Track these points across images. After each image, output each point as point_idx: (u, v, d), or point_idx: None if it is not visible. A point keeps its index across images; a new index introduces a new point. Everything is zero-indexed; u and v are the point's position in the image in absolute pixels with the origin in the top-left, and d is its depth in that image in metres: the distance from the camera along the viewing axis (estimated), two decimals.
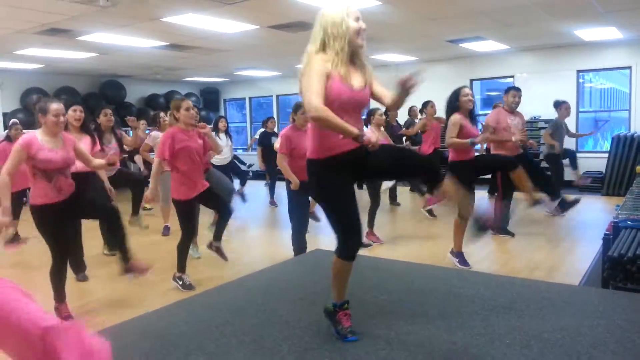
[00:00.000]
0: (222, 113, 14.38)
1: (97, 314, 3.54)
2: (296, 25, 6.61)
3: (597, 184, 8.75)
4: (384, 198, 6.78)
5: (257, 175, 12.06)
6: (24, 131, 5.86)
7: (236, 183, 7.86)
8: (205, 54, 8.95)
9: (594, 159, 9.13)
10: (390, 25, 6.97)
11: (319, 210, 5.91)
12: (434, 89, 9.79)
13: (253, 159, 10.05)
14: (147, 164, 7.48)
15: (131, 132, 5.78)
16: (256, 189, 10.63)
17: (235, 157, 8.51)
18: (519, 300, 2.87)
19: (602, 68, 9.59)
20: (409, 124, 8.35)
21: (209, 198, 4.17)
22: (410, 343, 2.38)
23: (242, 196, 7.75)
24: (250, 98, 14.29)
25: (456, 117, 4.22)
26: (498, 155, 5.08)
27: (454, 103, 4.30)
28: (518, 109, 5.35)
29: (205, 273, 4.52)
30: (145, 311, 3.15)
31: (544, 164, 7.24)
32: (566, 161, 6.81)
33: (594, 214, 6.95)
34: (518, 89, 5.35)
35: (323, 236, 5.40)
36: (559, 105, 6.61)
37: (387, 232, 5.94)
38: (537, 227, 5.86)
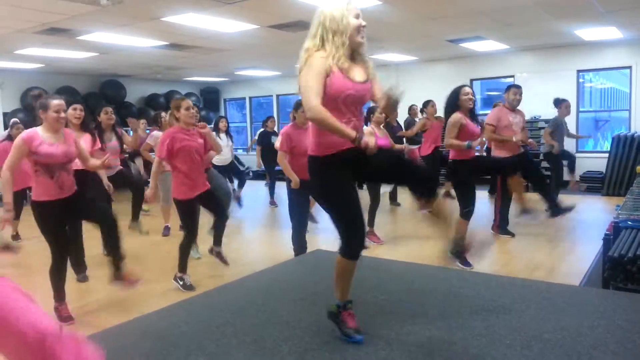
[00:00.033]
0: (222, 113, 14.38)
1: (97, 314, 3.54)
2: (296, 25, 6.61)
3: (598, 184, 8.76)
4: (384, 198, 6.78)
5: (257, 176, 12.07)
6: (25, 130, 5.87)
7: (235, 184, 7.85)
8: (206, 53, 8.95)
9: (594, 159, 9.14)
10: (390, 25, 6.96)
11: (317, 211, 5.92)
12: (434, 89, 9.81)
13: (253, 161, 10.00)
14: (148, 166, 7.47)
15: (131, 132, 5.76)
16: (256, 189, 10.63)
17: (235, 157, 8.49)
18: (520, 300, 2.87)
19: (602, 68, 9.59)
20: (409, 122, 8.36)
21: (208, 200, 4.17)
22: (410, 343, 2.38)
23: (239, 200, 7.66)
24: (250, 98, 14.29)
25: (457, 117, 4.21)
26: (498, 158, 5.05)
27: (454, 102, 4.28)
28: (519, 107, 5.35)
29: (205, 273, 4.52)
30: (145, 311, 3.15)
31: (544, 163, 7.25)
32: (565, 162, 6.82)
33: (594, 214, 6.95)
34: (519, 87, 5.35)
35: (323, 236, 5.40)
36: (559, 103, 6.60)
37: (387, 232, 5.94)
38: (538, 227, 5.86)
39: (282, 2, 5.69)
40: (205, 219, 5.21)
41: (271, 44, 8.04)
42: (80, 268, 4.43)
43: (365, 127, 2.63)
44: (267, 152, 8.29)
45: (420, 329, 2.53)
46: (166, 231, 6.21)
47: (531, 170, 5.29)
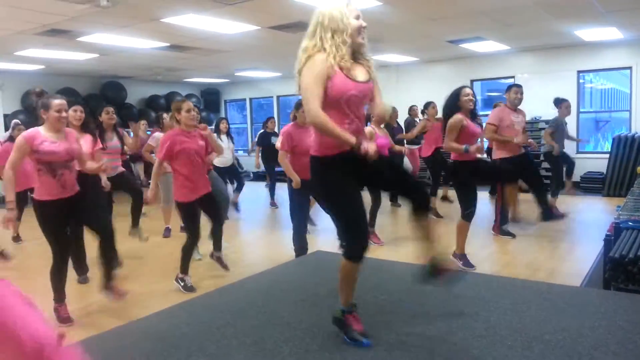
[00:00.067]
0: (222, 114, 14.39)
1: (98, 315, 3.54)
2: (296, 26, 6.61)
3: (598, 185, 8.75)
4: (385, 199, 6.78)
5: (258, 177, 12.07)
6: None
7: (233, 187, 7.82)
8: (206, 54, 8.96)
9: (594, 160, 9.13)
10: (391, 26, 6.97)
11: (316, 212, 5.92)
12: (434, 89, 9.81)
13: (252, 163, 9.92)
14: (148, 170, 7.47)
15: (132, 133, 5.76)
16: (256, 190, 10.64)
17: (236, 159, 8.47)
18: (520, 301, 2.87)
19: (603, 68, 9.59)
20: (409, 122, 8.35)
21: (208, 204, 4.15)
22: (411, 344, 2.37)
23: (236, 206, 7.59)
24: (250, 99, 14.30)
25: (457, 118, 4.16)
26: (499, 167, 5.01)
27: (455, 103, 4.23)
28: (520, 107, 5.36)
29: (206, 274, 4.52)
30: (146, 313, 3.15)
31: (544, 164, 7.25)
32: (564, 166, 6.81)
33: (595, 215, 6.95)
34: (519, 86, 5.35)
35: (324, 237, 5.40)
36: (559, 103, 6.58)
37: (388, 233, 5.94)
38: (538, 228, 5.85)
39: (282, 3, 5.69)
40: (205, 220, 5.21)
41: (271, 45, 8.04)
42: (82, 269, 4.43)
43: (366, 127, 2.60)
44: (268, 153, 8.30)
45: (421, 329, 2.53)
46: (167, 232, 6.21)
47: (530, 172, 5.31)
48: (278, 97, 13.61)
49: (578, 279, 4.00)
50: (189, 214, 4.08)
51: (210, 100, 14.21)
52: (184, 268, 4.10)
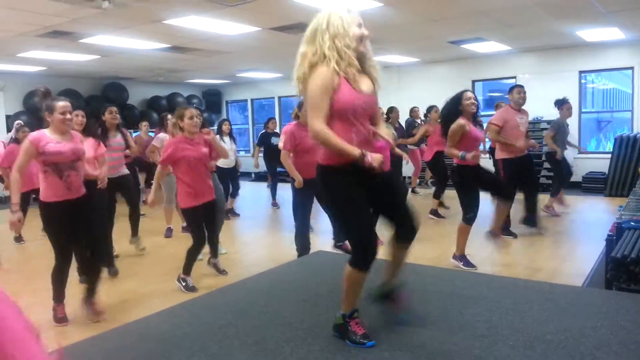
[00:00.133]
0: (224, 115, 14.41)
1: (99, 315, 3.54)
2: (297, 27, 6.61)
3: (600, 185, 8.74)
4: None
5: (259, 177, 12.07)
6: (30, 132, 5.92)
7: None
8: (207, 56, 8.97)
9: (596, 160, 9.12)
10: (392, 27, 6.97)
11: (316, 214, 5.91)
12: (435, 90, 9.81)
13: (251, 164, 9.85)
14: (149, 180, 7.47)
15: (134, 133, 5.77)
16: (258, 191, 10.65)
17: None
18: (522, 301, 2.86)
19: (605, 69, 9.58)
20: (410, 124, 8.35)
21: (208, 212, 4.13)
22: (413, 344, 2.37)
23: (231, 211, 7.48)
24: (252, 100, 14.31)
25: (460, 123, 4.11)
26: (501, 180, 4.97)
27: (456, 107, 4.18)
28: (523, 107, 5.36)
29: (207, 274, 4.52)
30: (147, 313, 3.15)
31: (546, 164, 7.25)
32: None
33: (596, 215, 6.94)
34: (522, 86, 5.36)
35: (325, 238, 5.40)
36: (560, 105, 6.56)
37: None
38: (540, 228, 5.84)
39: (282, 4, 5.70)
40: None
41: (272, 46, 8.05)
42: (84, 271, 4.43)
43: (385, 126, 2.53)
44: (269, 153, 8.30)
45: (422, 329, 2.52)
46: (168, 232, 6.21)
47: (529, 176, 5.33)
48: (279, 97, 13.63)
49: (580, 279, 4.00)
50: (193, 220, 4.09)
51: (211, 101, 14.23)
52: (187, 270, 4.11)
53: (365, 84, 2.28)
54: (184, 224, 5.55)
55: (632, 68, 8.92)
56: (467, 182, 4.23)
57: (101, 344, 2.63)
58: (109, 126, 4.95)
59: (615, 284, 3.08)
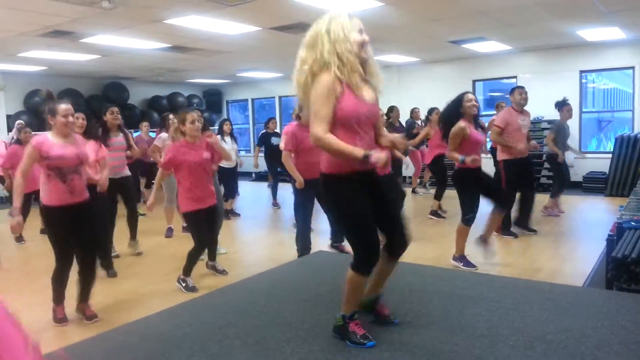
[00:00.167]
0: (224, 114, 14.41)
1: (100, 316, 3.53)
2: (297, 27, 6.61)
3: (601, 185, 8.74)
4: None
5: (260, 177, 12.07)
6: (32, 133, 5.94)
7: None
8: (208, 55, 8.97)
9: (597, 160, 9.10)
10: (392, 27, 6.96)
11: (315, 214, 5.92)
12: (436, 90, 9.82)
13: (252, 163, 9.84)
14: (149, 185, 7.43)
15: (135, 133, 5.78)
16: (259, 191, 10.65)
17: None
18: (523, 301, 2.86)
19: (605, 68, 9.57)
20: (410, 124, 8.34)
21: (208, 217, 4.12)
22: (413, 344, 2.37)
23: (230, 212, 7.44)
24: (252, 99, 14.31)
25: (461, 126, 4.10)
26: (501, 188, 4.96)
27: (457, 110, 4.17)
28: (525, 108, 5.36)
29: (207, 275, 4.52)
30: (147, 313, 3.15)
31: (546, 165, 7.24)
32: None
33: (597, 215, 6.93)
34: (523, 87, 5.36)
35: (325, 238, 5.39)
36: (561, 107, 6.53)
37: None
38: (540, 228, 5.84)
39: (283, 4, 5.69)
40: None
41: (273, 46, 8.05)
42: (104, 265, 4.46)
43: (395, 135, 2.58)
44: (270, 153, 8.30)
45: (423, 329, 2.52)
46: (169, 232, 6.21)
47: (528, 179, 5.33)
48: (280, 97, 13.63)
49: (580, 279, 4.00)
50: (194, 223, 4.08)
51: (212, 101, 14.23)
52: (187, 271, 4.11)
53: (367, 93, 2.28)
54: (185, 224, 5.55)
55: (632, 68, 8.91)
56: (469, 183, 4.23)
57: (101, 344, 2.63)
58: (110, 126, 4.95)
59: (615, 284, 3.08)
